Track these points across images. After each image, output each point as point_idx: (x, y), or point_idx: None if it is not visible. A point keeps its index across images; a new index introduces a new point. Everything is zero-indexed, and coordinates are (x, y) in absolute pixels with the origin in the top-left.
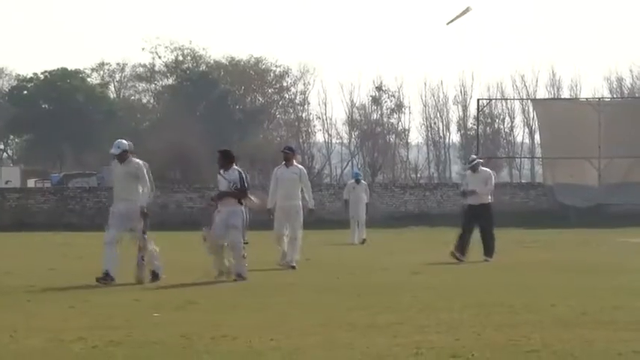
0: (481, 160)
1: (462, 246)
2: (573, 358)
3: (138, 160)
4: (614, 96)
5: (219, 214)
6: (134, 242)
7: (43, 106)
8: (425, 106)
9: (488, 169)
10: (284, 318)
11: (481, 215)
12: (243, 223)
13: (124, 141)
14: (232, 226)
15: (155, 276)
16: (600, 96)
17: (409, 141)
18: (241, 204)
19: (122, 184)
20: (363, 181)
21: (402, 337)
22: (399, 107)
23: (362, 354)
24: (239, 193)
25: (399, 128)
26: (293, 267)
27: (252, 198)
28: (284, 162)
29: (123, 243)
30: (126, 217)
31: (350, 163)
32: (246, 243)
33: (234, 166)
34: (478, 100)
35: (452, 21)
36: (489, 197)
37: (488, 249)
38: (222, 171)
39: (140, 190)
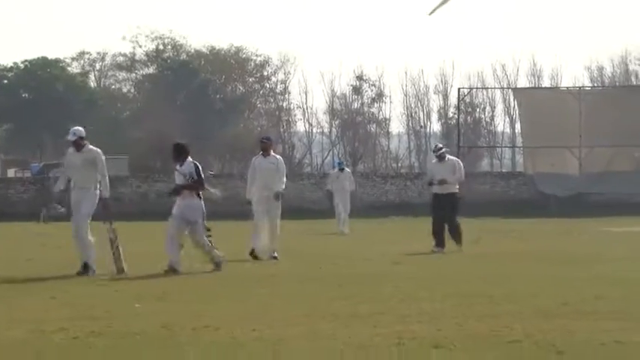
0: (447, 150)
1: (439, 240)
2: (555, 349)
3: (95, 148)
4: (595, 85)
5: (177, 206)
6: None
7: (23, 95)
8: (405, 95)
9: (454, 158)
10: (266, 308)
11: (446, 203)
12: (203, 216)
13: (80, 128)
14: (192, 222)
15: (86, 268)
16: (581, 85)
17: (390, 130)
18: (199, 197)
19: (80, 172)
20: (346, 169)
21: (383, 328)
22: (379, 96)
23: (344, 344)
24: (196, 185)
25: (379, 117)
26: (275, 257)
27: (210, 189)
28: (261, 152)
29: (94, 232)
30: (79, 204)
31: (331, 153)
32: (209, 235)
33: (189, 159)
34: (459, 89)
35: (434, 11)
36: (456, 186)
37: (456, 238)
38: (177, 166)
39: (98, 179)
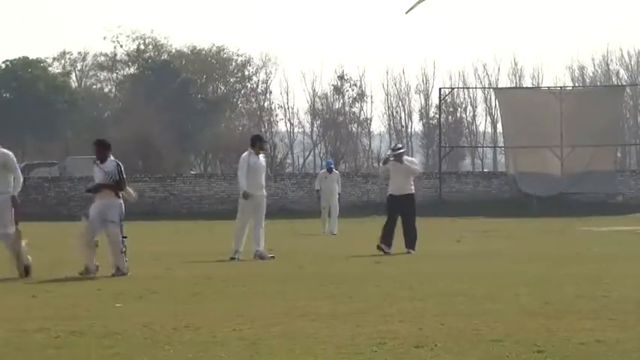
0: (404, 150)
1: (386, 237)
2: (537, 348)
3: (5, 150)
4: (576, 85)
5: (94, 207)
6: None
7: (4, 95)
8: (387, 94)
9: (413, 159)
10: (247, 308)
11: (403, 205)
12: (121, 217)
13: None
14: (110, 221)
15: (28, 271)
16: (562, 85)
17: (371, 130)
18: (118, 197)
19: None
20: (335, 171)
21: (365, 327)
22: (361, 96)
23: (325, 343)
24: (117, 185)
25: (361, 117)
26: (273, 257)
27: (130, 191)
28: (252, 149)
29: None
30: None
31: (312, 153)
32: (125, 237)
33: (111, 157)
34: (440, 88)
35: (410, 9)
36: (412, 187)
37: (410, 240)
38: (98, 162)
39: (11, 180)
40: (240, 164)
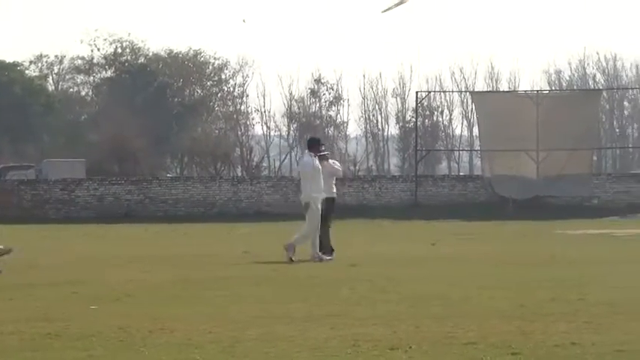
0: (328, 153)
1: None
2: (511, 350)
3: None
4: (553, 88)
5: None
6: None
7: None
8: (364, 98)
9: (336, 161)
10: (222, 311)
11: (324, 209)
12: None
13: None
14: None
15: None
16: (539, 88)
17: (348, 133)
18: None
19: None
20: None
21: (339, 330)
22: (337, 100)
23: (300, 346)
24: None
25: (337, 121)
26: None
27: None
28: (310, 151)
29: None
30: None
31: (288, 156)
32: None
33: None
34: (417, 92)
35: (387, 9)
36: (334, 191)
37: (325, 245)
38: None
39: None
40: (309, 167)
